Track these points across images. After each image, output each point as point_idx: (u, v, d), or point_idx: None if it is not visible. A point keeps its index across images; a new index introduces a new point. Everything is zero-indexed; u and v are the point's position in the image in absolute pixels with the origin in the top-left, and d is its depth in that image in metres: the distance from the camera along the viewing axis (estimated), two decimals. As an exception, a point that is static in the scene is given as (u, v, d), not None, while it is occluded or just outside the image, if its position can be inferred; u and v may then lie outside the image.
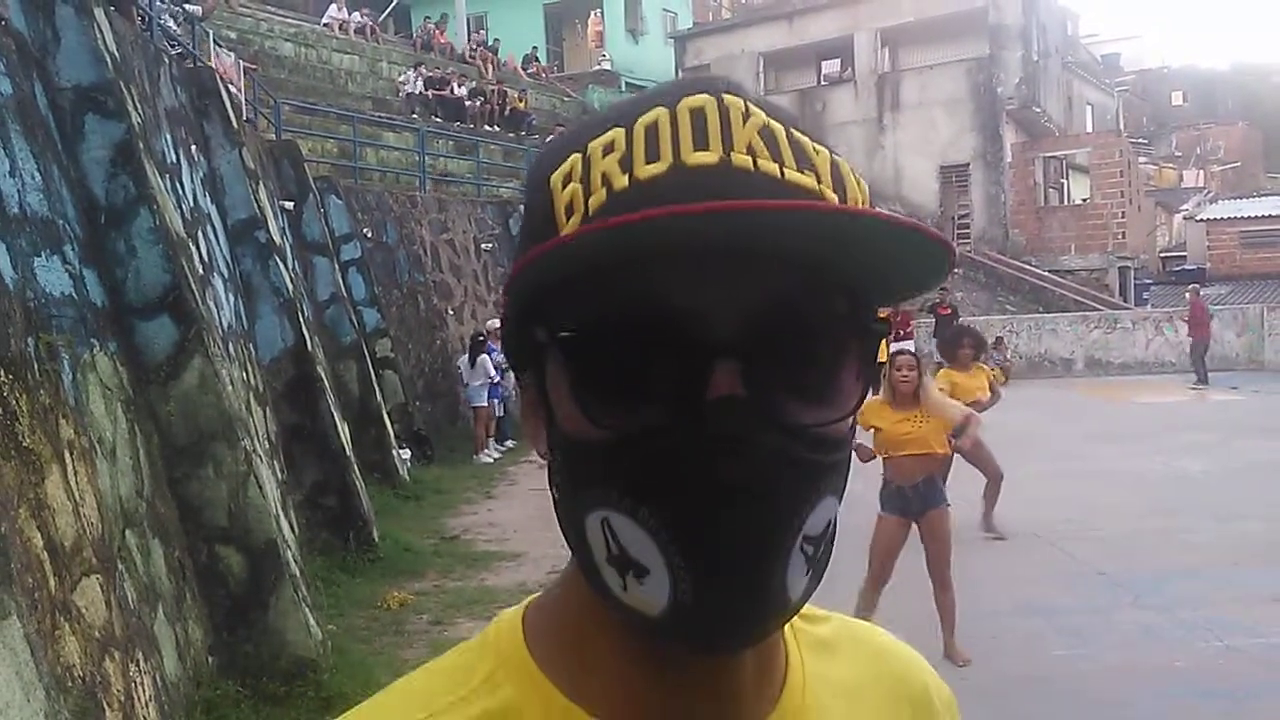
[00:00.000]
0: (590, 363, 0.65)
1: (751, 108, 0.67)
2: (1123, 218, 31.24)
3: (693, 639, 0.65)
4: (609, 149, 0.66)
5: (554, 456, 0.70)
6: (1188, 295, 23.55)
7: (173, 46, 10.52)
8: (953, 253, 0.66)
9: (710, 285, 0.63)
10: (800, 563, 0.65)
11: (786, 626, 0.77)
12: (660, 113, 0.66)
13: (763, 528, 0.63)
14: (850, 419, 0.69)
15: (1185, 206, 40.69)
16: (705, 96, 0.66)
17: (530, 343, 0.70)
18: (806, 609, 0.78)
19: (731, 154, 0.65)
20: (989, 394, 9.24)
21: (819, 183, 0.67)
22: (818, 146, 0.69)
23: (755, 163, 0.65)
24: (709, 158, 0.64)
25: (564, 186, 0.67)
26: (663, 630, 0.65)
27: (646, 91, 0.70)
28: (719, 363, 0.62)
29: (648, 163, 0.65)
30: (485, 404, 15.40)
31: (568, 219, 0.66)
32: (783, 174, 0.65)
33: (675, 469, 0.62)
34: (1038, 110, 32.24)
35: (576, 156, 0.67)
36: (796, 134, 0.68)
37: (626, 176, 0.65)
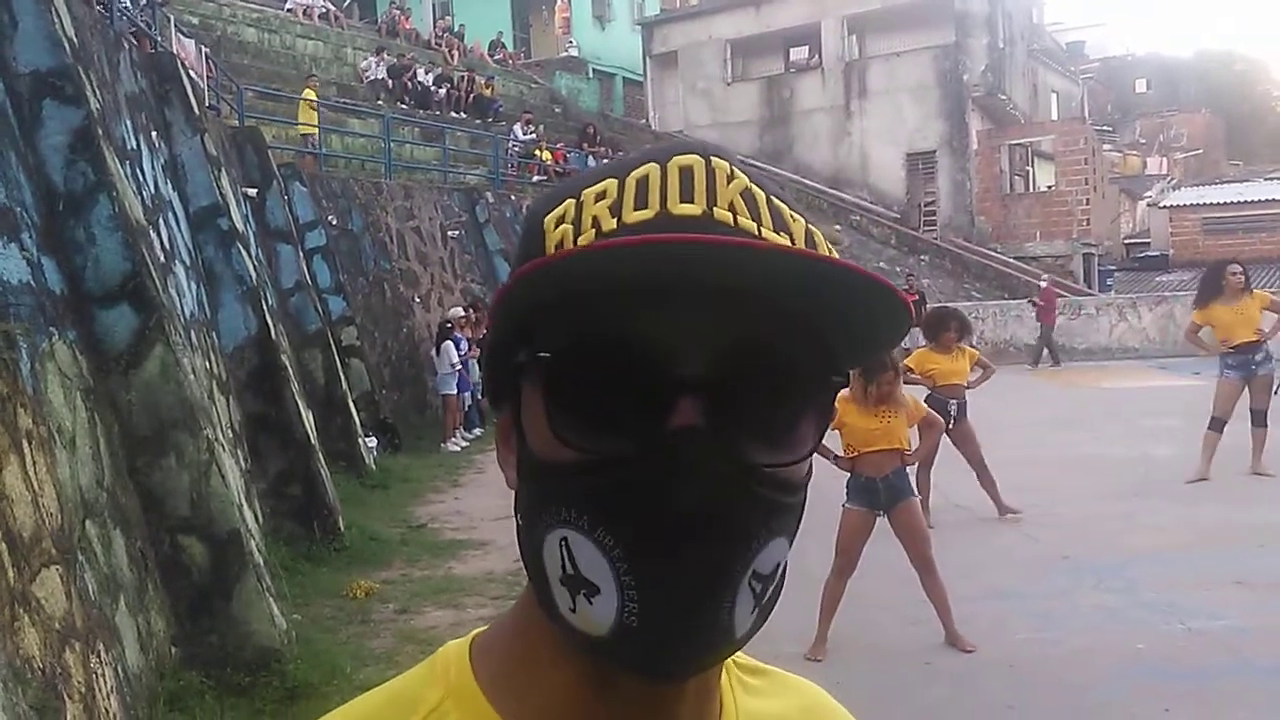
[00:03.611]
0: (563, 385, 0.67)
1: (736, 171, 0.71)
2: (1087, 204, 31.49)
3: (635, 662, 0.67)
4: (601, 196, 0.70)
5: (521, 482, 0.73)
6: (1043, 284, 24.77)
7: (127, 25, 10.38)
8: (911, 312, 0.70)
9: (682, 322, 0.66)
10: (748, 599, 0.68)
11: (723, 671, 0.80)
12: (652, 168, 0.71)
13: (712, 557, 0.66)
14: (805, 464, 0.72)
15: (1149, 193, 41.11)
16: (695, 157, 0.71)
17: (508, 369, 0.73)
18: (745, 660, 0.84)
19: (714, 208, 0.69)
20: (978, 372, 9.31)
21: (793, 244, 0.70)
22: (794, 214, 0.73)
23: (735, 219, 0.69)
24: (693, 209, 0.68)
25: (556, 227, 0.71)
26: (607, 651, 0.67)
27: (641, 150, 0.75)
28: (682, 396, 0.65)
29: (635, 209, 0.69)
30: (453, 392, 15.36)
31: None
32: (759, 232, 0.69)
33: (632, 493, 0.65)
34: (1003, 97, 32.43)
35: (571, 201, 0.71)
36: (776, 201, 0.72)
37: (615, 220, 0.69)
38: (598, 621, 0.66)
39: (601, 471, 0.66)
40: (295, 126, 18.91)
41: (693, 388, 0.65)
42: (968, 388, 9.22)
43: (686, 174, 0.70)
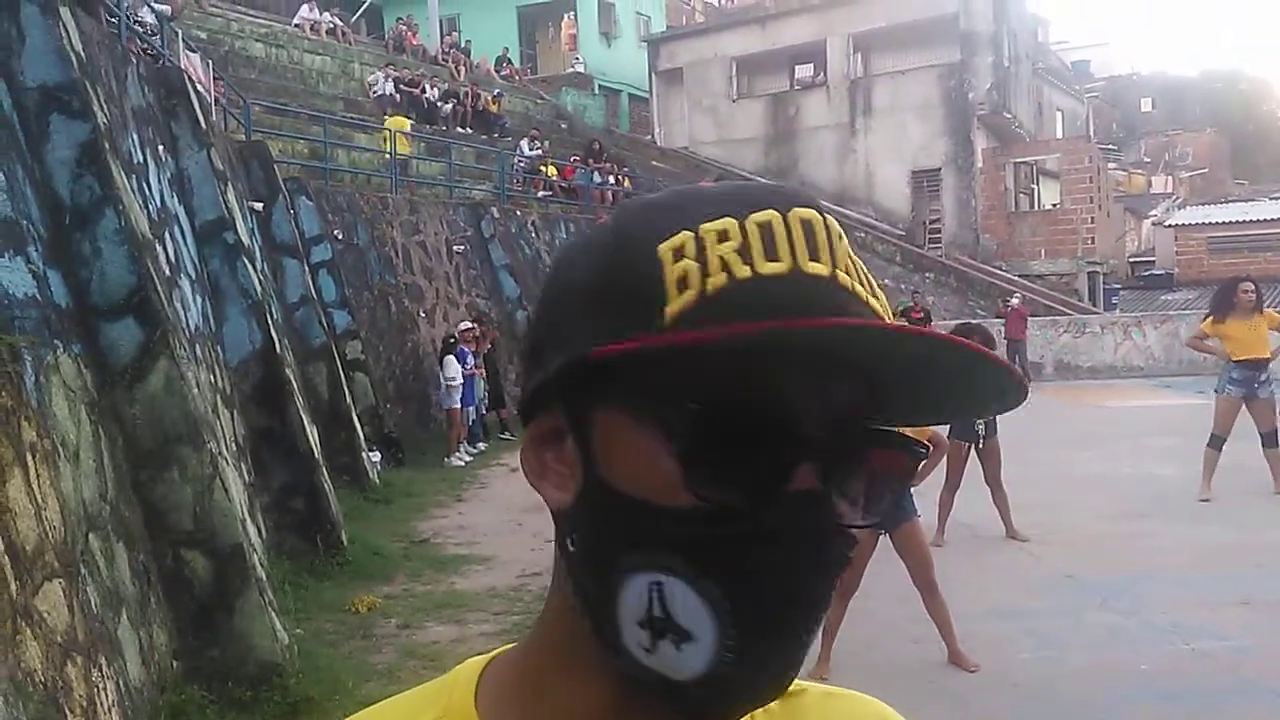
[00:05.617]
0: (702, 437, 0.66)
1: (841, 230, 0.73)
2: (1092, 223, 31.45)
3: (708, 706, 0.68)
4: (724, 236, 0.69)
5: (587, 512, 0.71)
6: (1014, 301, 24.89)
7: (135, 40, 10.42)
8: (1025, 391, 0.71)
9: (814, 388, 0.67)
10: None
11: None
12: (773, 215, 0.70)
13: (811, 613, 0.69)
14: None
15: (1154, 212, 41.08)
16: (812, 211, 0.71)
17: (581, 388, 0.70)
18: None
19: (837, 271, 0.70)
20: None
21: (881, 303, 0.73)
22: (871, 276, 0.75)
23: (853, 284, 0.71)
24: (822, 270, 0.69)
25: (675, 260, 0.69)
26: (685, 695, 0.68)
27: (749, 186, 0.75)
28: (805, 460, 0.67)
29: (768, 260, 0.68)
30: (457, 407, 15.36)
31: (679, 292, 0.68)
32: (867, 299, 0.71)
33: (753, 549, 0.66)
34: (1008, 116, 32.43)
35: (688, 235, 0.69)
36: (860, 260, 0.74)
37: (748, 268, 0.68)
38: (683, 667, 0.66)
39: (720, 524, 0.66)
40: (302, 142, 18.97)
41: (813, 451, 0.67)
42: None
43: (809, 229, 0.70)
